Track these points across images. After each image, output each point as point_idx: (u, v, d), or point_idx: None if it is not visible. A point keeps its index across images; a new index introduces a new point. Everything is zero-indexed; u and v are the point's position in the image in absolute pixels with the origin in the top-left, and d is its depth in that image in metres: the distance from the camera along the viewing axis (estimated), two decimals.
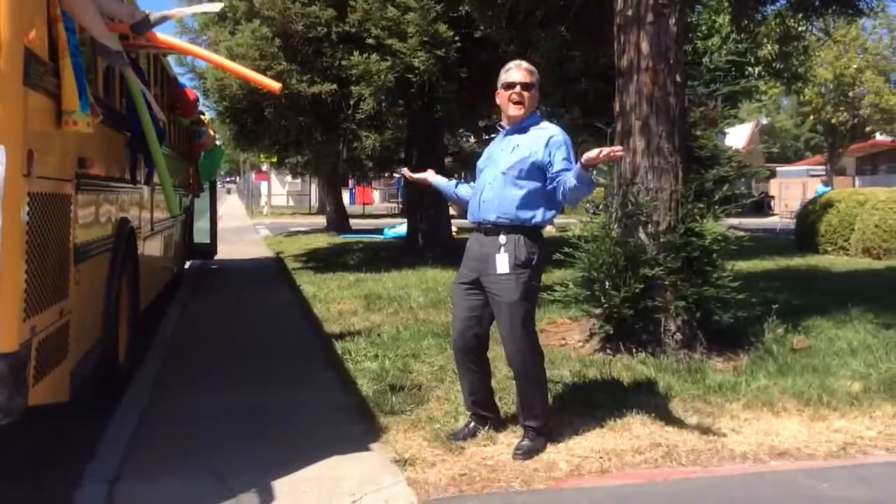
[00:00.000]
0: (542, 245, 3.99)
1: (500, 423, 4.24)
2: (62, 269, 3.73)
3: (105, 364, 4.77)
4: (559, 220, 23.92)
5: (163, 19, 5.17)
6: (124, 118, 5.56)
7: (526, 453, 3.87)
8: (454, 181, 4.58)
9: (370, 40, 10.91)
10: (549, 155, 3.91)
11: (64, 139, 3.73)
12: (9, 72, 3.00)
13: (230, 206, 43.79)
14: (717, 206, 6.05)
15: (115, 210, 5.18)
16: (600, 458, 3.85)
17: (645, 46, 5.83)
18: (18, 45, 3.06)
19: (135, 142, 5.71)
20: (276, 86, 5.30)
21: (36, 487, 3.71)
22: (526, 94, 4.01)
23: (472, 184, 4.39)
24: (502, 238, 3.90)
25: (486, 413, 4.21)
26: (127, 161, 5.63)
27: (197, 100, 9.99)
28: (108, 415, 4.60)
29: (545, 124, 4.07)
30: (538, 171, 3.92)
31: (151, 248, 7.09)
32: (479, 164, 4.20)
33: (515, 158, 3.95)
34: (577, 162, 3.83)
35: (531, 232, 3.94)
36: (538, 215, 3.95)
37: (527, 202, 3.92)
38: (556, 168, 3.88)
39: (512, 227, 3.90)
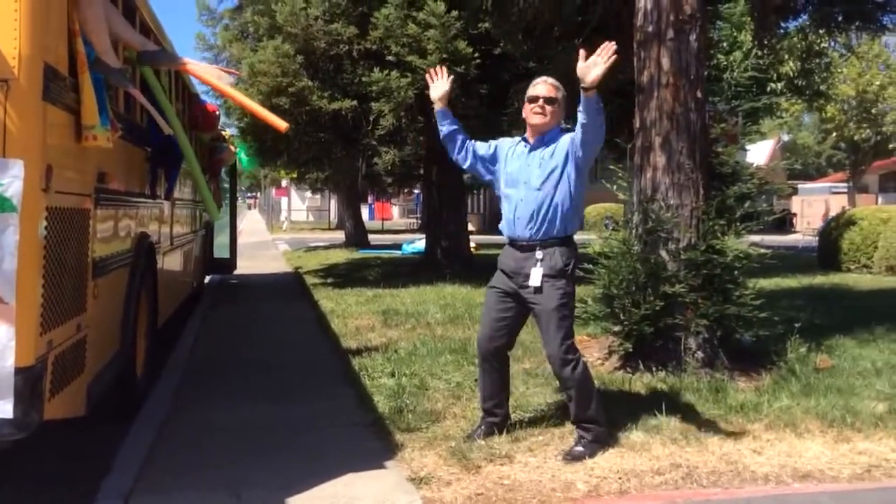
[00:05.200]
0: (575, 253, 4.19)
1: (509, 425, 4.42)
2: (80, 284, 3.74)
3: (122, 378, 4.77)
4: (578, 236, 23.68)
5: (174, 60, 5.25)
6: (144, 133, 5.60)
7: (574, 458, 3.96)
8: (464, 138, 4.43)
9: (390, 57, 10.95)
10: (571, 142, 4.08)
11: (83, 154, 3.75)
12: (28, 87, 3.02)
13: (250, 222, 44.08)
14: (738, 223, 5.98)
15: (134, 225, 5.20)
16: (619, 478, 3.79)
17: (666, 62, 5.80)
18: (38, 61, 3.08)
19: (156, 157, 5.74)
20: (282, 125, 5.37)
21: (51, 502, 3.70)
22: (548, 107, 4.15)
23: (487, 143, 4.42)
24: (539, 253, 4.09)
25: (498, 412, 4.40)
26: (147, 176, 5.67)
27: (218, 115, 10.06)
28: (125, 429, 4.59)
29: (566, 136, 4.15)
30: (566, 177, 4.09)
31: (171, 262, 7.12)
32: (505, 180, 4.28)
33: (546, 172, 4.10)
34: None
35: (565, 241, 4.13)
36: (570, 225, 4.14)
37: (560, 214, 4.10)
38: (576, 135, 4.04)
39: (548, 241, 4.08)
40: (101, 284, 4.15)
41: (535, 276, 4.05)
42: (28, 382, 3.00)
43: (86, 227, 3.85)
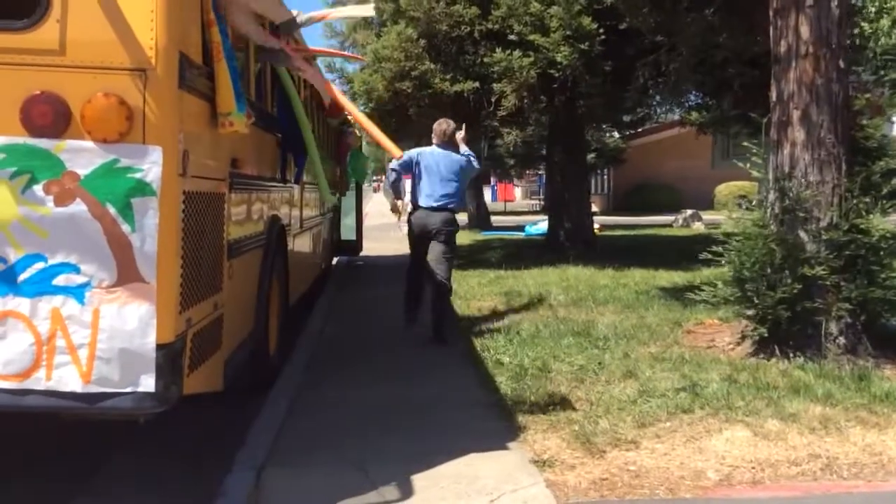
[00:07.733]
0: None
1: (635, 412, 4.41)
2: (216, 265, 3.90)
3: (256, 355, 4.96)
4: (708, 216, 22.91)
5: (309, 21, 5.33)
6: (275, 120, 5.78)
7: None
8: None
9: (512, 36, 10.87)
10: None
11: (217, 140, 3.90)
12: (165, 76, 3.16)
13: (375, 204, 44.91)
14: (884, 201, 5.59)
15: (266, 208, 5.38)
16: (752, 468, 3.64)
17: (804, 31, 5.47)
18: (174, 50, 3.21)
19: (285, 143, 5.92)
20: (397, 153, 5.79)
21: (191, 471, 3.91)
22: None
23: None
24: None
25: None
26: (278, 161, 5.85)
27: None
28: (259, 405, 4.78)
29: None
30: None
31: (301, 244, 7.34)
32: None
33: None
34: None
35: None
36: None
37: None
38: None
39: None
40: (236, 265, 4.31)
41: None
42: (168, 358, 3.15)
43: (221, 210, 4.00)
